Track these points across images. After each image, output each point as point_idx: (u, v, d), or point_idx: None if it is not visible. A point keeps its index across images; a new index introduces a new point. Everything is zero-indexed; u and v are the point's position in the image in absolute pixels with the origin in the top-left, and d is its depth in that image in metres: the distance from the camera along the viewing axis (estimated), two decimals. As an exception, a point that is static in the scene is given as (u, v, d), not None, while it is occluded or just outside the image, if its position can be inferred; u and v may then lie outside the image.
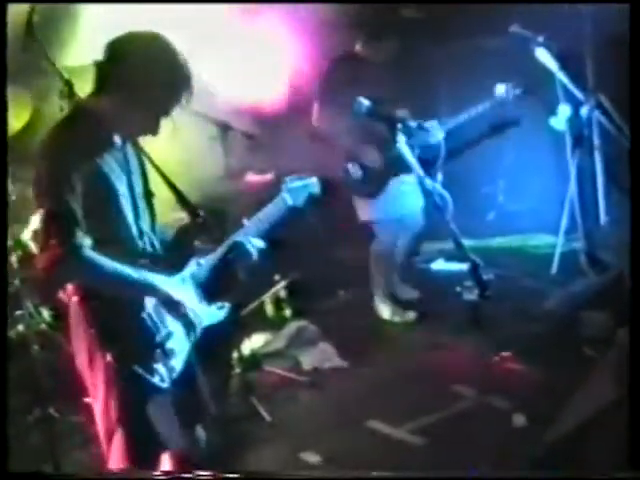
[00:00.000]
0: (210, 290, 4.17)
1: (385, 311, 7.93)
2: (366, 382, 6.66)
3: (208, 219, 4.10)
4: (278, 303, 8.07)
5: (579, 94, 7.70)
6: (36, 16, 5.43)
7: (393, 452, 5.58)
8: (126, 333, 3.80)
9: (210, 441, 4.38)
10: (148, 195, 4.09)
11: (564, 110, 7.64)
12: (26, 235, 6.32)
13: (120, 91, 3.79)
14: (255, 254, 4.26)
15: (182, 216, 4.22)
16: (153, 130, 3.92)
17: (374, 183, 7.57)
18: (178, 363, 3.96)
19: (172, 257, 4.07)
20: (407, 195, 7.58)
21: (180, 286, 3.98)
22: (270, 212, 4.46)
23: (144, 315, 3.84)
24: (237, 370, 6.47)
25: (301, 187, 4.62)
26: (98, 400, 3.91)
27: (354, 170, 7.53)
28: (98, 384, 3.88)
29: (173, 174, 4.08)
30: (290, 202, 4.52)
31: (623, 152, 7.75)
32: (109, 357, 3.78)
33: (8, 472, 3.97)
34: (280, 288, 8.10)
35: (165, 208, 4.24)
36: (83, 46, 6.92)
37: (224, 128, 6.38)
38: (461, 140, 8.16)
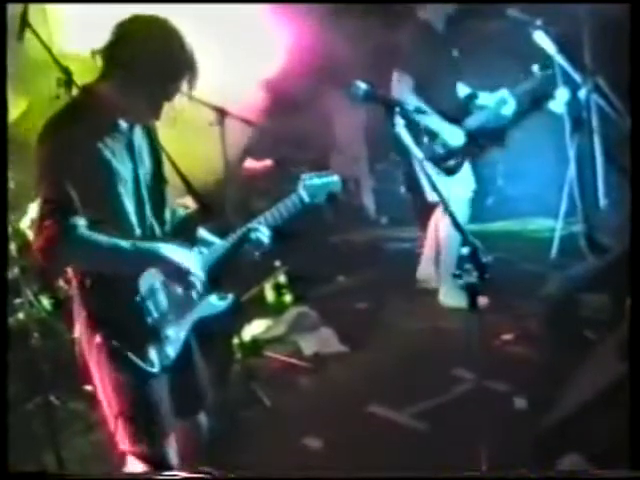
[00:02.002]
0: (211, 280, 4.14)
1: (453, 298, 7.51)
2: (367, 367, 6.67)
3: (214, 207, 4.09)
4: (278, 289, 8.06)
5: (577, 77, 7.69)
6: (33, 5, 5.44)
7: (394, 436, 5.59)
8: (118, 316, 3.79)
9: (211, 427, 4.39)
10: (158, 181, 4.05)
11: (562, 93, 7.62)
12: (25, 223, 6.33)
13: (123, 74, 3.74)
14: (266, 244, 4.24)
15: (186, 203, 4.21)
16: (155, 115, 3.88)
17: (454, 160, 7.52)
18: (173, 349, 3.95)
19: (179, 241, 4.02)
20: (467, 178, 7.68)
21: (188, 253, 3.94)
22: (284, 208, 4.35)
23: (137, 298, 3.82)
24: (238, 356, 6.48)
25: (320, 185, 4.49)
26: (96, 383, 3.94)
27: (434, 145, 7.46)
28: (93, 366, 3.90)
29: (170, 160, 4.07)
30: (307, 200, 4.41)
31: (622, 135, 7.75)
32: (98, 338, 3.79)
33: (8, 472, 3.98)
34: (280, 274, 8.09)
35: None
36: (80, 32, 6.92)
37: (221, 114, 6.36)
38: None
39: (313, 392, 6.43)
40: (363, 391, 6.22)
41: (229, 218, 4.46)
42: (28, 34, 5.32)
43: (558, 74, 7.79)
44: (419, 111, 6.99)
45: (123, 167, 3.81)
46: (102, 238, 3.65)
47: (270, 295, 8.07)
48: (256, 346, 6.99)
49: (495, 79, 7.92)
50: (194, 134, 6.70)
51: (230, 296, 4.18)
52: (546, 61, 7.51)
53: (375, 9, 9.06)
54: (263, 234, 4.22)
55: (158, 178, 4.05)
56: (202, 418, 4.33)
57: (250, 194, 8.01)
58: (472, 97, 7.60)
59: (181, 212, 4.22)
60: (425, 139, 7.33)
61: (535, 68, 7.47)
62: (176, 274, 3.86)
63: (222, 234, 4.22)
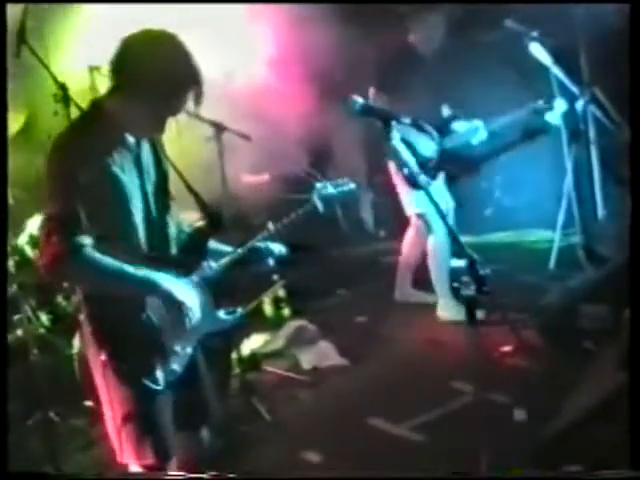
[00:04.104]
0: (221, 294, 4.14)
1: (449, 311, 7.61)
2: (366, 380, 6.66)
3: (225, 221, 4.08)
4: (277, 303, 8.06)
5: (574, 88, 7.70)
6: (30, 21, 5.45)
7: (394, 449, 5.58)
8: (124, 332, 3.79)
9: (211, 442, 4.38)
10: (165, 196, 4.05)
11: (559, 104, 7.63)
12: (22, 240, 6.33)
13: (130, 89, 3.74)
14: (275, 259, 4.24)
15: (195, 217, 4.20)
16: (160, 129, 3.90)
17: (429, 173, 7.51)
18: (179, 365, 3.95)
19: (184, 259, 4.03)
20: (441, 191, 7.71)
21: (186, 287, 3.93)
22: (298, 218, 4.33)
23: (144, 316, 3.82)
24: (237, 370, 6.47)
25: (335, 194, 4.45)
26: (100, 398, 3.94)
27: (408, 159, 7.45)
28: (98, 382, 3.91)
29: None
30: (321, 209, 4.38)
31: (619, 145, 7.76)
32: (104, 355, 3.80)
33: (8, 472, 3.97)
34: (279, 288, 8.09)
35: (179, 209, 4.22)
36: (78, 49, 6.93)
37: (219, 129, 6.37)
38: (494, 143, 8.16)
39: (312, 406, 6.42)
40: (362, 404, 6.20)
41: (235, 232, 4.44)
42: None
43: (555, 85, 7.81)
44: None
45: (131, 182, 3.81)
46: (107, 260, 3.66)
47: (269, 309, 8.07)
48: (255, 360, 6.97)
49: (493, 92, 7.93)
50: (191, 149, 6.73)
51: (239, 310, 4.18)
52: (549, 98, 7.54)
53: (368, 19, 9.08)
54: (275, 245, 4.24)
55: (165, 193, 4.05)
56: (204, 433, 4.32)
57: (248, 209, 8.00)
58: (451, 119, 7.62)
59: (186, 227, 4.22)
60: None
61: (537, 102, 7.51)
62: (172, 306, 3.86)
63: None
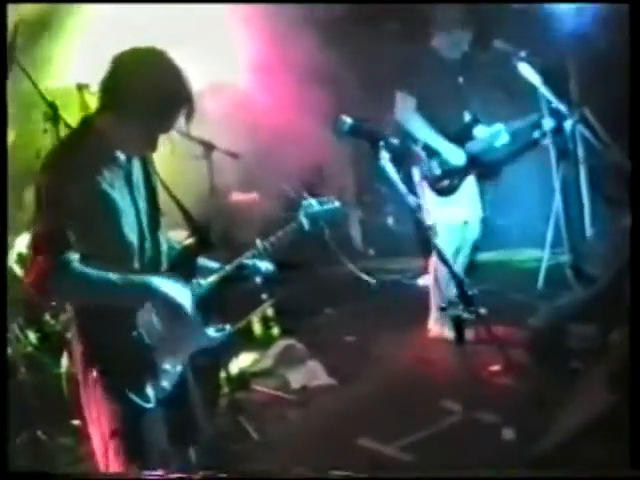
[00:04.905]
0: (210, 311, 4.13)
1: (440, 328, 7.53)
2: (355, 400, 6.65)
3: (215, 238, 4.09)
4: (266, 322, 8.06)
5: (562, 108, 7.72)
6: (19, 39, 5.46)
7: (383, 469, 5.56)
8: (114, 350, 3.77)
9: (198, 460, 4.36)
10: (156, 213, 4.04)
11: (548, 124, 7.65)
12: (11, 258, 6.31)
13: (121, 107, 3.75)
14: (262, 276, 4.24)
15: (183, 235, 4.20)
16: (151, 147, 3.89)
17: (449, 181, 7.56)
18: (169, 383, 3.94)
19: (173, 275, 3.99)
20: (470, 200, 7.69)
21: (181, 289, 3.93)
22: (285, 236, 4.34)
23: (134, 333, 3.80)
24: (226, 389, 6.46)
25: (322, 212, 4.48)
26: (89, 416, 3.91)
27: (432, 165, 7.50)
28: (87, 400, 3.88)
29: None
30: (307, 227, 4.41)
31: (607, 165, 7.79)
32: (94, 373, 3.78)
33: (8, 472, 3.95)
34: (267, 307, 8.08)
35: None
36: (68, 67, 6.94)
37: (208, 147, 6.39)
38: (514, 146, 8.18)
39: (301, 425, 6.40)
40: (351, 424, 6.19)
41: (224, 250, 4.44)
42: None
43: (543, 105, 7.83)
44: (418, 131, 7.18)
45: (122, 199, 3.81)
46: (94, 272, 3.65)
47: (257, 328, 8.07)
48: (243, 379, 6.97)
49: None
50: (180, 167, 6.72)
51: (228, 327, 4.17)
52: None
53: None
54: (262, 263, 4.24)
55: (155, 210, 4.05)
56: (191, 451, 4.31)
57: (237, 226, 8.00)
58: (474, 123, 7.63)
59: (175, 244, 4.21)
60: (423, 157, 7.41)
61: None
62: (168, 307, 3.86)
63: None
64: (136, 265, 3.86)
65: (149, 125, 3.80)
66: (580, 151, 8.77)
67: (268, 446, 5.99)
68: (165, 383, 3.91)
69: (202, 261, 4.18)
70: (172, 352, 3.93)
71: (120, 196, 3.79)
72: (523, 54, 7.51)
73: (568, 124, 7.79)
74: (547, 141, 8.04)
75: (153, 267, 3.95)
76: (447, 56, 7.54)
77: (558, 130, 7.72)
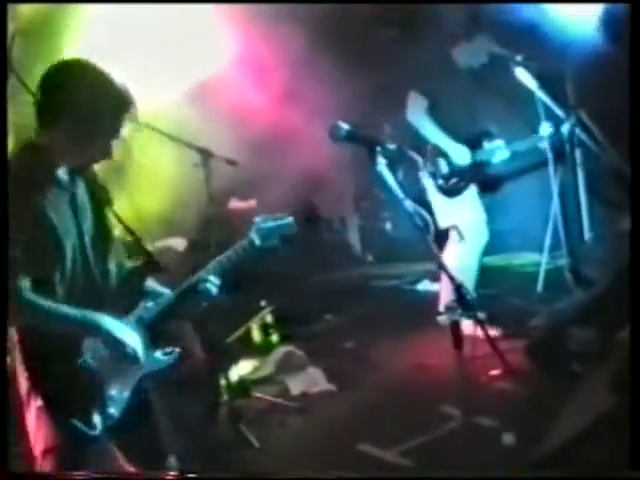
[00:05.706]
0: (157, 335, 4.11)
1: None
2: (355, 405, 6.65)
3: (161, 261, 4.09)
4: (265, 329, 8.04)
5: (559, 112, 7.72)
6: (16, 47, 5.46)
7: (384, 475, 5.56)
8: (60, 378, 3.75)
9: (199, 469, 4.36)
10: (103, 234, 4.05)
11: (545, 128, 7.65)
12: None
13: (62, 122, 3.77)
14: (216, 294, 4.21)
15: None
16: (105, 154, 3.89)
17: (456, 181, 7.62)
18: (117, 410, 3.90)
19: (120, 299, 4.02)
20: (476, 203, 7.73)
21: (125, 328, 3.92)
22: (235, 253, 4.35)
23: (80, 360, 3.80)
24: (225, 397, 6.45)
25: (274, 228, 4.49)
26: (32, 444, 3.87)
27: (440, 165, 7.53)
28: (31, 428, 3.84)
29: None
30: (258, 243, 4.40)
31: (605, 168, 7.79)
32: (39, 401, 3.76)
33: (8, 472, 3.93)
34: (267, 314, 8.07)
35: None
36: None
37: (206, 155, 6.38)
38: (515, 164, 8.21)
39: (301, 432, 6.39)
40: (351, 430, 6.18)
41: (175, 272, 4.42)
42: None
43: (540, 109, 7.83)
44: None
45: (66, 223, 3.80)
46: (45, 303, 3.65)
47: (257, 335, 8.05)
48: (243, 387, 6.95)
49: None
50: (178, 175, 6.72)
51: (176, 350, 4.15)
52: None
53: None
54: (212, 283, 4.20)
55: (103, 231, 4.05)
56: (172, 460, 4.29)
57: (234, 234, 8.00)
58: (484, 136, 7.65)
59: (125, 266, 4.20)
60: (429, 155, 7.44)
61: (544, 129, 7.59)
62: (114, 347, 3.85)
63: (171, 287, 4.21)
64: (81, 289, 3.86)
65: (91, 134, 3.82)
66: (578, 154, 8.76)
67: (269, 453, 5.98)
68: (112, 410, 3.88)
69: (150, 284, 4.19)
70: (119, 378, 3.92)
71: (64, 220, 3.79)
72: (519, 58, 7.51)
73: (565, 128, 7.79)
74: (544, 144, 8.01)
75: (98, 290, 3.95)
76: (464, 64, 7.57)
77: (555, 134, 7.73)
